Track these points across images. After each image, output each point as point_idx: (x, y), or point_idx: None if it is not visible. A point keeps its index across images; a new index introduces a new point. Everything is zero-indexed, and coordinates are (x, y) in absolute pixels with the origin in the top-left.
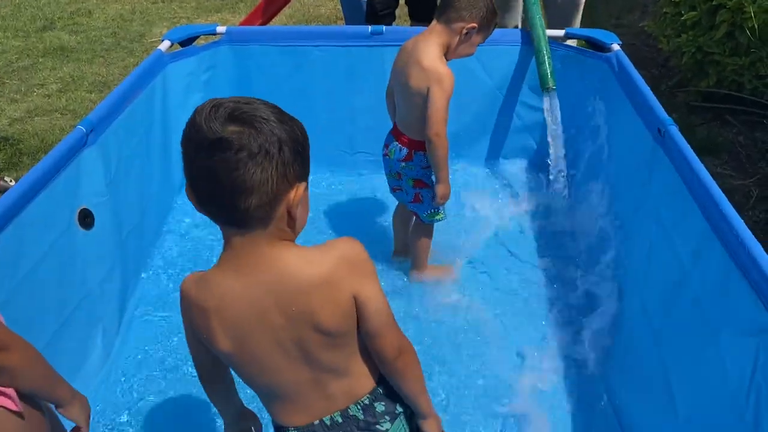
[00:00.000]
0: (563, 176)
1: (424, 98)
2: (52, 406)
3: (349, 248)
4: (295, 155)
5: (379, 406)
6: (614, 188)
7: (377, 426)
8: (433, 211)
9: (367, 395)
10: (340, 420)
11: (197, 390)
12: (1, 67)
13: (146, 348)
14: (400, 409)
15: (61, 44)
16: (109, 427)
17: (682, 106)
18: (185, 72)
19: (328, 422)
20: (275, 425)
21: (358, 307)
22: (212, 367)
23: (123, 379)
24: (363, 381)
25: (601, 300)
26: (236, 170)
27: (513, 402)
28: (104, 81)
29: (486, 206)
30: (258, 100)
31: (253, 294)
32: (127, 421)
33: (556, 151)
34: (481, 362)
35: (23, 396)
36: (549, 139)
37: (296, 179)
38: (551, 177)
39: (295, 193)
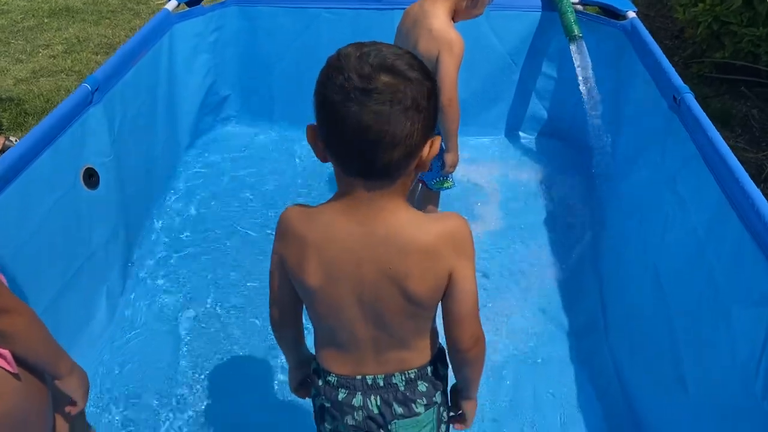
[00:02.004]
0: (601, 125)
1: (434, 65)
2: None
3: (458, 225)
4: (435, 109)
5: (422, 385)
6: (628, 157)
7: (413, 405)
8: (441, 179)
9: (415, 370)
10: (381, 383)
11: (201, 350)
12: (6, 27)
13: (151, 309)
14: (438, 399)
15: (66, 5)
16: (112, 388)
17: (695, 78)
18: (192, 32)
19: (369, 381)
20: (316, 366)
21: (450, 285)
22: (290, 307)
23: (127, 339)
24: (417, 356)
25: (613, 270)
26: (388, 123)
27: (515, 368)
28: (110, 42)
29: (494, 176)
30: (397, 47)
31: (358, 241)
32: (131, 382)
33: (592, 97)
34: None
35: (24, 362)
36: (581, 87)
37: (431, 134)
38: (591, 129)
39: (430, 147)
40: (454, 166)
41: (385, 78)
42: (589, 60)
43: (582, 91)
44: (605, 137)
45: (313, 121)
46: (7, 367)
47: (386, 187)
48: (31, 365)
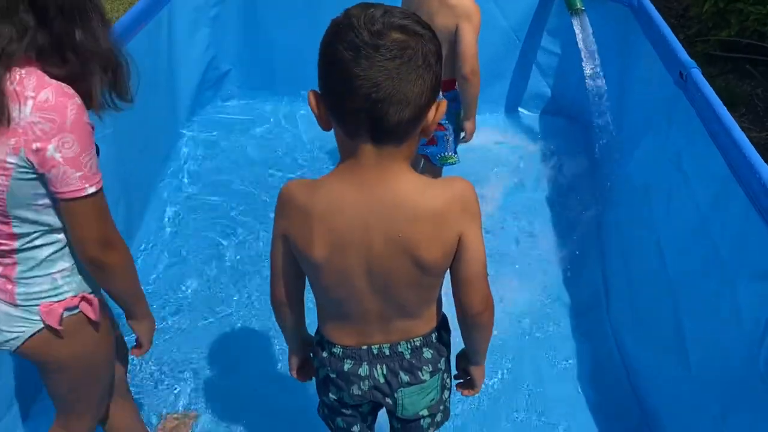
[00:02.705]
0: (604, 99)
1: (452, 36)
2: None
3: (465, 189)
4: (441, 71)
5: (427, 352)
6: (633, 134)
7: (419, 372)
8: (447, 153)
9: (420, 337)
10: (387, 352)
11: (203, 324)
12: None
13: (151, 282)
14: (442, 365)
15: None
16: None
17: (699, 57)
18: (192, 6)
19: (375, 351)
20: (320, 339)
21: (460, 249)
22: (293, 286)
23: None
24: (423, 325)
25: (615, 246)
26: (399, 80)
27: (516, 343)
28: (109, 17)
29: (497, 152)
30: (403, 8)
31: (365, 208)
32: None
33: (594, 70)
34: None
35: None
36: (584, 63)
37: (437, 96)
38: (593, 106)
39: (436, 111)
40: (472, 133)
41: (396, 35)
42: (592, 35)
43: (584, 66)
44: (606, 114)
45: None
46: (91, 315)
47: (393, 150)
48: (118, 302)
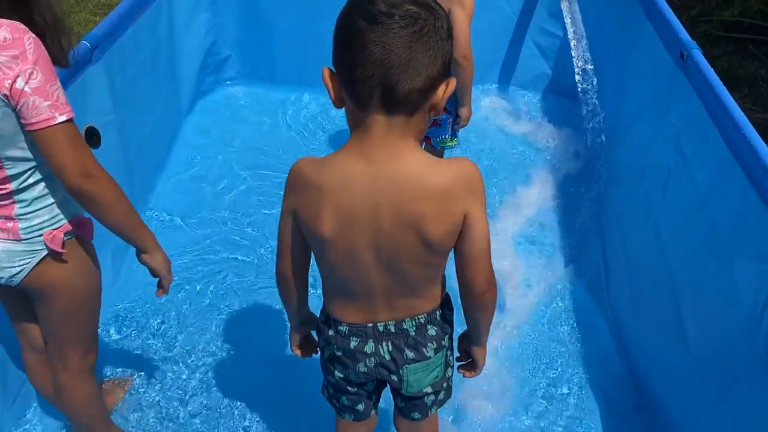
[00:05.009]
0: (591, 82)
1: None
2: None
3: (470, 169)
4: (452, 50)
5: (431, 329)
6: (632, 113)
7: (424, 349)
8: (447, 136)
9: (425, 314)
10: (392, 330)
11: (207, 309)
12: None
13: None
14: (446, 342)
15: None
16: (120, 343)
17: (702, 37)
18: None
19: (381, 328)
20: (326, 317)
21: (465, 227)
22: (299, 262)
23: (133, 298)
24: (427, 303)
25: (615, 228)
26: (412, 49)
27: (516, 327)
28: (109, 3)
29: (498, 135)
30: None
31: (373, 185)
32: (138, 339)
33: (579, 53)
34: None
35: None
36: (572, 43)
37: (448, 73)
38: (578, 84)
39: (446, 88)
40: (467, 119)
41: (410, 6)
42: (580, 15)
43: (573, 52)
44: (593, 96)
45: (316, 79)
46: (86, 236)
47: (402, 123)
48: (121, 236)
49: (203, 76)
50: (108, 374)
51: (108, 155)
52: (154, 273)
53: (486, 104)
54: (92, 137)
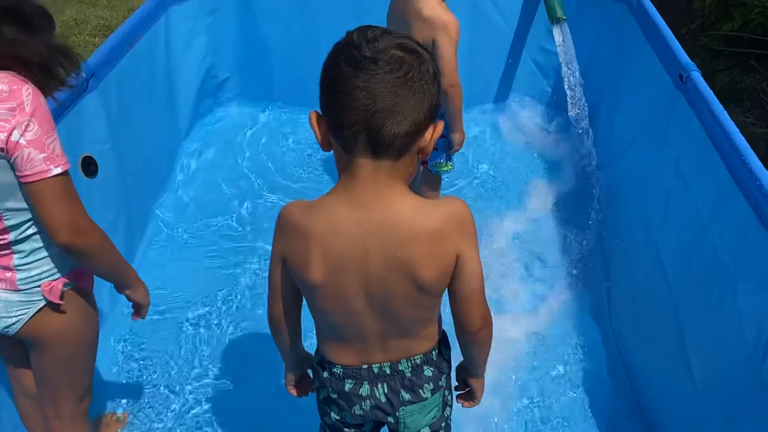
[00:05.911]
0: (582, 107)
1: (430, 50)
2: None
3: (459, 208)
4: (438, 94)
5: (428, 370)
6: (631, 136)
7: (420, 390)
8: (442, 161)
9: (421, 355)
10: (387, 371)
11: (202, 338)
12: None
13: (152, 297)
14: (443, 383)
15: None
16: (118, 373)
17: (703, 51)
18: (188, 15)
19: (376, 370)
20: (320, 359)
21: (458, 267)
22: (291, 307)
23: (130, 327)
24: (423, 343)
25: (617, 252)
26: (397, 94)
27: (518, 350)
28: (108, 25)
29: (497, 154)
30: (403, 33)
31: (362, 230)
32: (135, 370)
33: (572, 81)
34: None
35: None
36: (564, 69)
37: (435, 117)
38: (570, 110)
39: (433, 131)
40: (461, 143)
41: (395, 51)
42: (572, 43)
43: (563, 75)
44: (583, 123)
45: (314, 101)
46: (86, 286)
47: (390, 167)
48: (107, 279)
49: (201, 98)
50: (105, 409)
51: (105, 183)
52: (134, 305)
53: (485, 122)
54: (89, 167)
